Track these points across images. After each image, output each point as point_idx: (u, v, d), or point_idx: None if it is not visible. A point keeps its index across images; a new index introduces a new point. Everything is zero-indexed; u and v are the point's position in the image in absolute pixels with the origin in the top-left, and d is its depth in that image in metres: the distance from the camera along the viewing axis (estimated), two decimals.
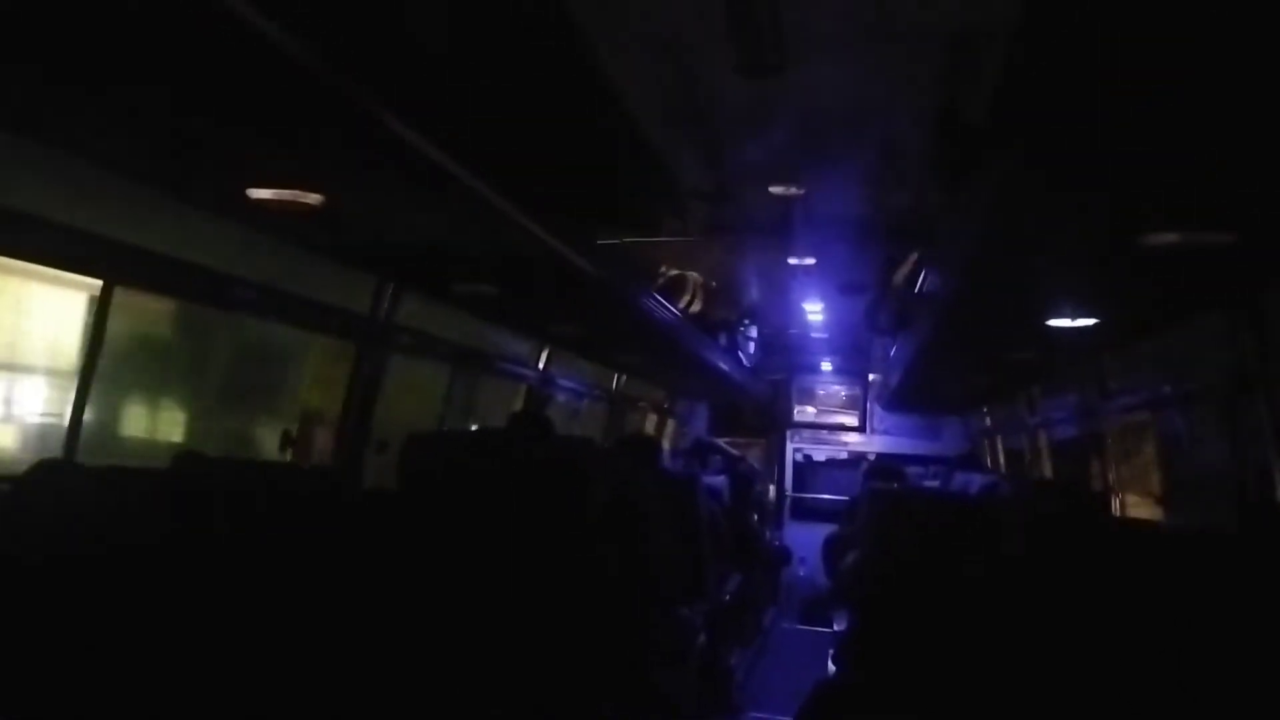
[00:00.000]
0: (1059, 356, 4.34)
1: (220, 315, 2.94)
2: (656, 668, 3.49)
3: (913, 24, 2.36)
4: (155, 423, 3.02)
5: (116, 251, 2.35)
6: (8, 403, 2.63)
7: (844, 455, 10.38)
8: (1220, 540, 2.32)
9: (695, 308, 5.19)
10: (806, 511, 9.95)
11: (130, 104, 1.75)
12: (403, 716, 1.93)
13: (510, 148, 2.44)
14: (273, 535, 2.13)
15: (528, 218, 2.56)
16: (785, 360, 10.12)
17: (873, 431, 10.26)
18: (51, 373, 2.63)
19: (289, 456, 3.35)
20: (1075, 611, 1.90)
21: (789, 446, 10.42)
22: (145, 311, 2.73)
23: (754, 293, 6.45)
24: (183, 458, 2.66)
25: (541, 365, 5.48)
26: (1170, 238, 2.08)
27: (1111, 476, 4.75)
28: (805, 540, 8.58)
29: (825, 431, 10.50)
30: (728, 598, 5.08)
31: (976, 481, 5.04)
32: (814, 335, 8.90)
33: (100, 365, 2.44)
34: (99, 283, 2.39)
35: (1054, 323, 3.23)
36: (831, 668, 3.94)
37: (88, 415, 2.43)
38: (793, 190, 3.65)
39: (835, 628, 4.81)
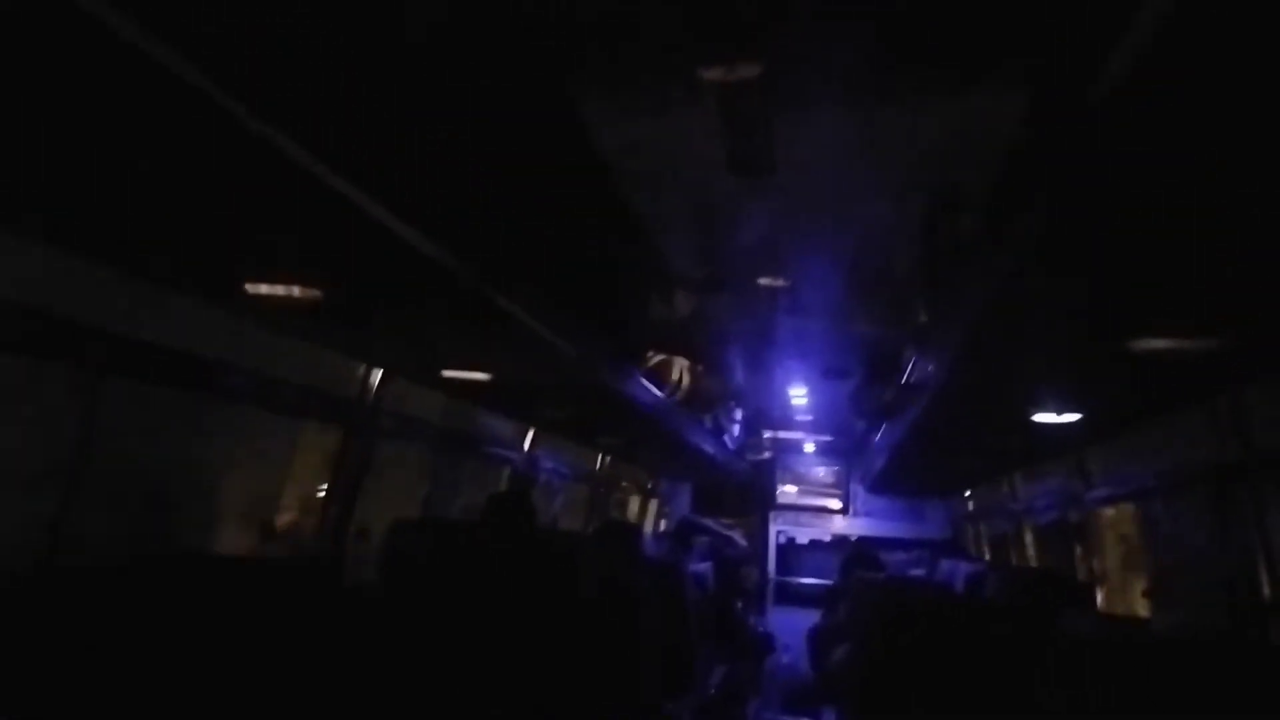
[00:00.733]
0: (1043, 445, 4.37)
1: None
2: None
3: (902, 134, 2.43)
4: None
5: (107, 341, 2.33)
6: None
7: (828, 538, 10.30)
8: (1206, 647, 2.30)
9: (682, 390, 5.19)
10: (790, 596, 9.81)
11: (131, 199, 1.76)
12: None
13: (503, 239, 2.47)
14: (255, 634, 2.07)
15: (518, 308, 2.57)
16: (769, 442, 10.13)
17: (855, 513, 10.22)
18: None
19: (269, 548, 3.28)
20: (1076, 713, 1.87)
21: (772, 529, 10.34)
22: None
23: (739, 376, 6.48)
24: (153, 558, 2.59)
25: (526, 447, 5.44)
26: (1154, 342, 2.11)
27: (1095, 565, 4.73)
28: (789, 627, 8.43)
29: (808, 513, 10.44)
30: (714, 690, 4.96)
31: (962, 570, 4.99)
32: (798, 418, 8.92)
33: None
34: None
35: (1038, 417, 3.26)
36: None
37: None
38: (780, 282, 3.70)
39: None
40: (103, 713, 1.72)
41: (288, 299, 2.22)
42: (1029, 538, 6.24)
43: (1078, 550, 5.03)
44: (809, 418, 8.83)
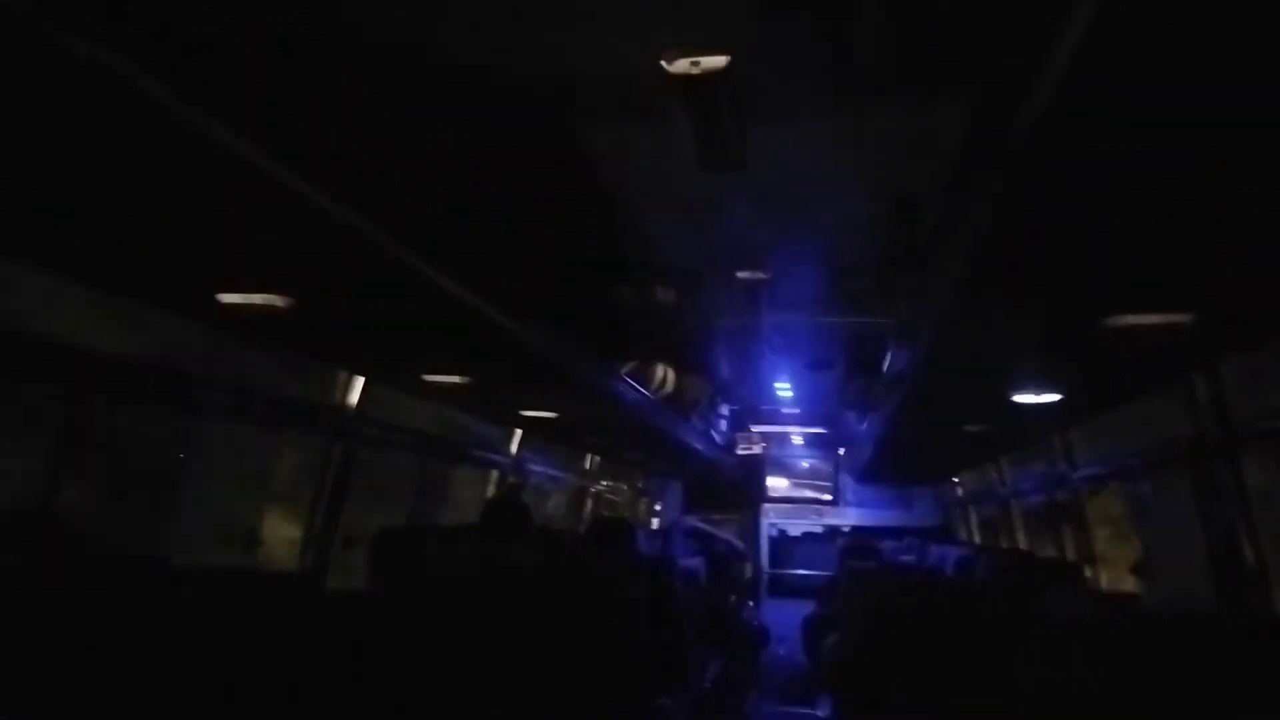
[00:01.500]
0: (1027, 428, 4.40)
1: None
2: None
3: (871, 120, 2.45)
4: None
5: (84, 359, 2.32)
6: None
7: (819, 529, 10.34)
8: (1192, 621, 2.34)
9: (666, 389, 5.20)
10: (784, 588, 9.85)
11: (101, 216, 1.75)
12: None
13: (482, 242, 2.47)
14: (244, 643, 2.06)
15: (497, 309, 2.57)
16: (757, 436, 10.15)
17: (846, 504, 10.26)
18: None
19: (253, 559, 3.27)
20: (1061, 692, 1.89)
21: (764, 522, 10.37)
22: None
23: (724, 371, 6.50)
24: (144, 563, 2.58)
25: (514, 450, 5.44)
26: (1130, 319, 2.13)
27: (1084, 544, 4.77)
28: (783, 618, 8.46)
29: (799, 506, 10.47)
30: (708, 684, 4.97)
31: (952, 555, 5.03)
32: (785, 410, 8.96)
33: None
34: None
35: (1018, 398, 3.29)
36: None
37: None
38: (759, 275, 3.72)
39: (818, 712, 4.71)
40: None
41: (262, 308, 2.22)
42: (1017, 521, 6.29)
43: (1065, 531, 5.08)
44: (796, 410, 8.88)
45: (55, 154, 1.46)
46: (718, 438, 7.85)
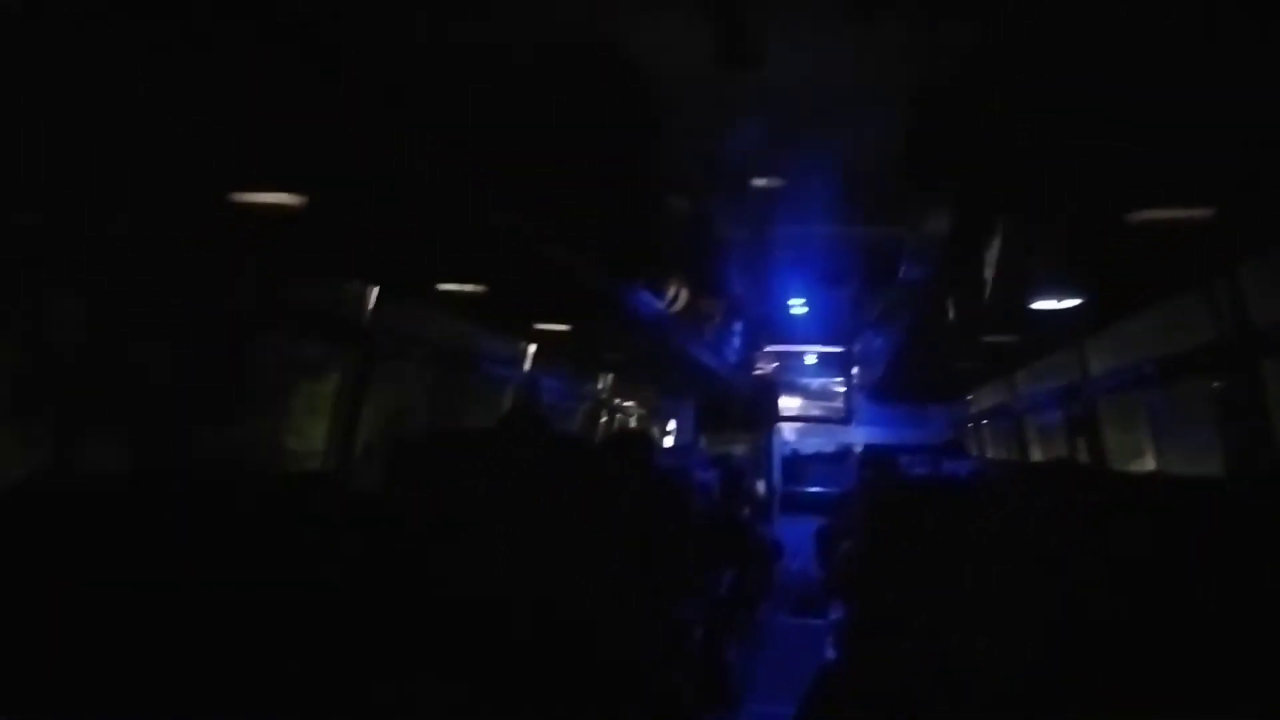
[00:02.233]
0: (1042, 340, 4.37)
1: None
2: (657, 666, 3.48)
3: (890, 24, 2.38)
4: None
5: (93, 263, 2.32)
6: None
7: (832, 448, 10.43)
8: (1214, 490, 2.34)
9: (680, 304, 5.19)
10: (796, 505, 9.99)
11: (103, 108, 1.73)
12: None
13: (496, 147, 2.44)
14: (265, 543, 2.11)
15: (514, 215, 2.55)
16: (770, 355, 10.16)
17: (859, 422, 10.32)
18: None
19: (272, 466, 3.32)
20: (1073, 588, 1.90)
21: (777, 440, 10.46)
22: None
23: (738, 287, 6.47)
24: (169, 467, 2.63)
25: (528, 366, 5.46)
26: (1151, 214, 2.10)
27: (1098, 458, 4.78)
28: (796, 534, 8.60)
29: (812, 425, 10.55)
30: (723, 593, 5.08)
31: (964, 468, 5.07)
32: (798, 329, 8.94)
33: None
34: None
35: (1036, 305, 3.25)
36: (830, 655, 3.95)
37: None
38: (774, 182, 3.66)
39: (831, 617, 4.82)
40: (102, 626, 1.75)
41: (274, 208, 2.20)
42: (1031, 435, 6.31)
43: (1079, 445, 5.09)
44: (809, 328, 8.86)
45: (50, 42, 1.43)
46: (731, 355, 7.86)
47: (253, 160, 2.00)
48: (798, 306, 7.47)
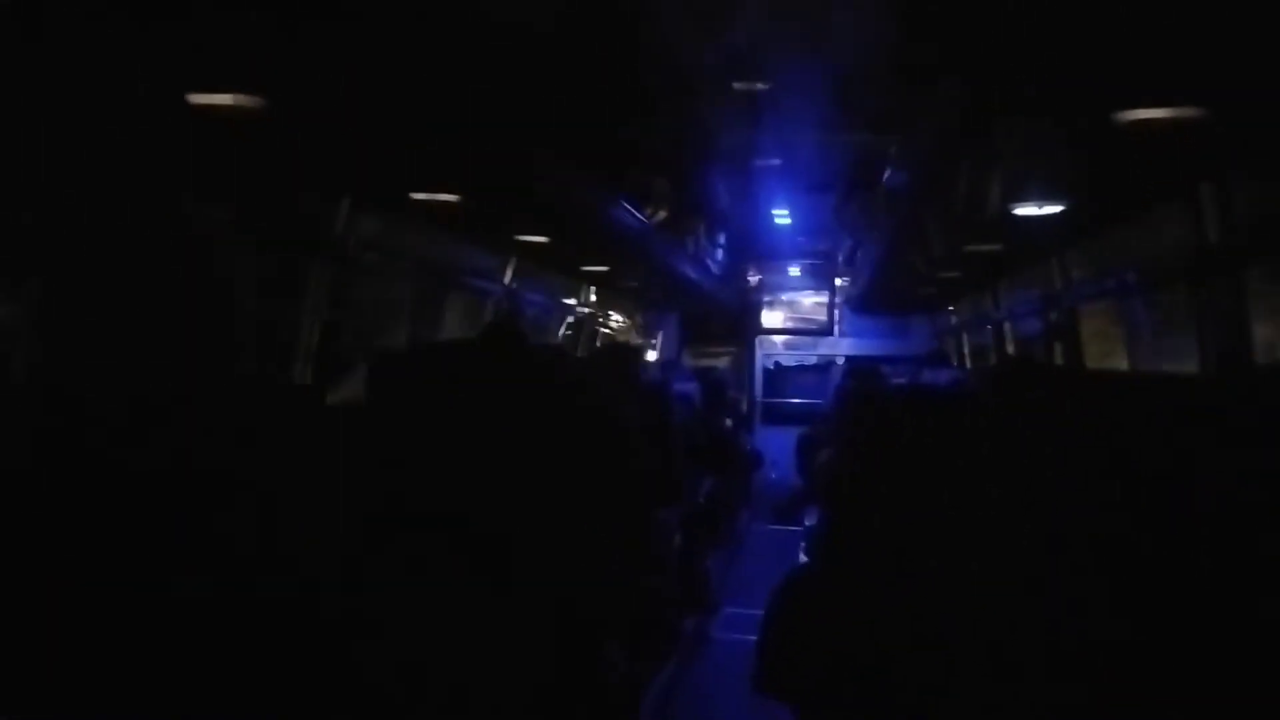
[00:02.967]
0: (1027, 246, 4.35)
1: None
2: (641, 570, 3.55)
3: None
4: None
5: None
6: None
7: (813, 360, 10.50)
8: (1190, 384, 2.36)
9: (661, 215, 5.12)
10: (777, 416, 10.11)
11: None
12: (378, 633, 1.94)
13: (468, 50, 2.34)
14: (240, 459, 2.10)
15: (488, 121, 2.47)
16: (754, 266, 10.12)
17: (841, 334, 10.36)
18: None
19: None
20: (1045, 489, 1.92)
21: (759, 353, 10.51)
22: None
23: (721, 197, 6.37)
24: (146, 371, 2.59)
25: (508, 279, 5.41)
26: (1141, 114, 2.05)
27: (1075, 362, 4.83)
28: (776, 444, 8.72)
29: (794, 336, 10.59)
30: (703, 501, 5.17)
31: (944, 376, 5.11)
32: (781, 240, 8.87)
33: None
34: None
35: (1020, 210, 3.22)
36: (803, 559, 4.04)
37: None
38: (756, 86, 3.56)
39: (807, 523, 4.92)
40: (79, 530, 1.74)
41: (233, 109, 2.11)
42: (1010, 344, 6.35)
43: (1057, 351, 5.12)
44: (792, 240, 8.79)
45: None
46: (714, 268, 7.82)
47: (218, 61, 1.92)
48: (781, 217, 7.38)
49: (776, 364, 10.65)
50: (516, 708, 2.03)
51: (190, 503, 1.89)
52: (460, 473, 2.65)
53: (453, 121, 2.32)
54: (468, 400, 2.92)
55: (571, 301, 7.07)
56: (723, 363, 10.20)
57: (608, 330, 8.45)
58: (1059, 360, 5.06)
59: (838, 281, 10.12)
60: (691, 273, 6.63)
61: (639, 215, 4.61)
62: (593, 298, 7.44)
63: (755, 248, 9.79)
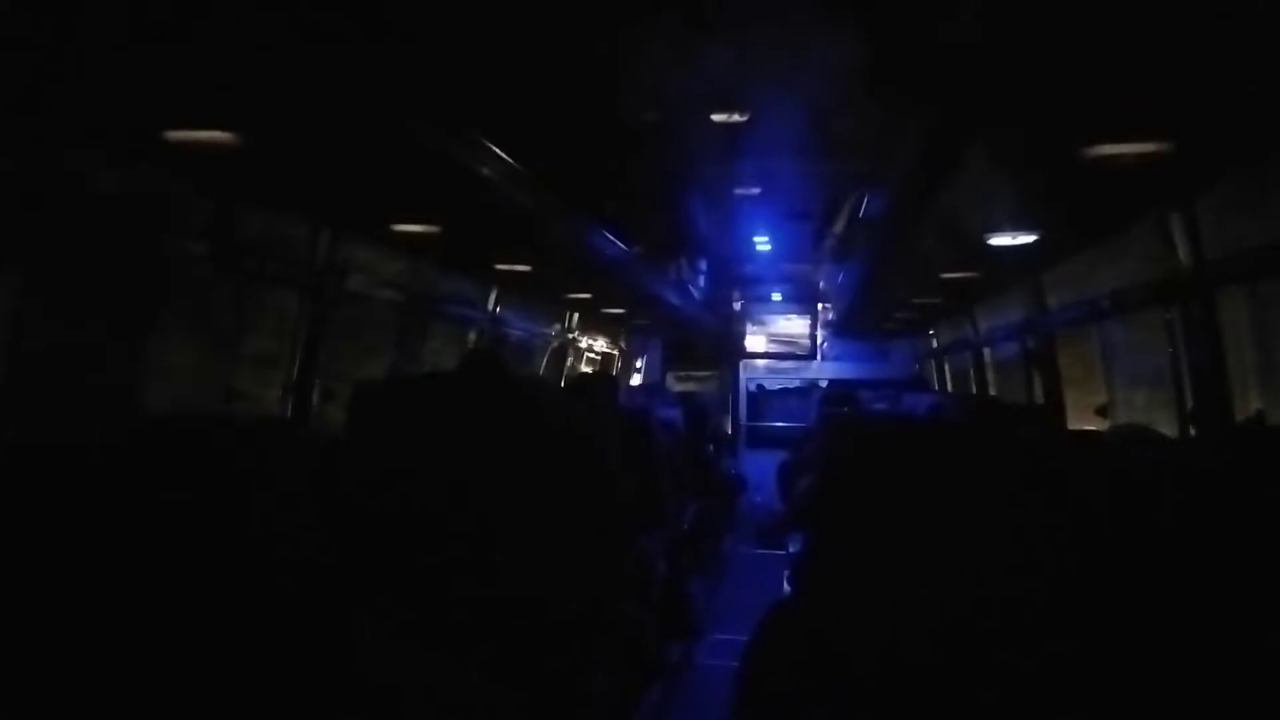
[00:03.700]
0: (1001, 274, 4.41)
1: None
2: (622, 598, 3.54)
3: None
4: None
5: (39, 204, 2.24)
6: None
7: (796, 384, 10.55)
8: (1160, 446, 2.41)
9: (644, 241, 5.15)
10: (761, 440, 10.13)
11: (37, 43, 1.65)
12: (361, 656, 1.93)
13: (455, 87, 2.37)
14: (224, 487, 2.09)
15: (470, 154, 2.49)
16: (736, 292, 10.19)
17: (823, 358, 10.42)
18: None
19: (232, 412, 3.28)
20: (1026, 523, 1.94)
21: (742, 377, 10.55)
22: None
23: (703, 225, 6.43)
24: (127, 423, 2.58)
25: (491, 306, 5.42)
26: (1109, 148, 2.10)
27: (1053, 390, 4.88)
28: (760, 468, 8.73)
29: (777, 361, 10.64)
30: (686, 526, 5.16)
31: (924, 402, 5.15)
32: (763, 266, 8.93)
33: None
34: None
35: (995, 240, 3.27)
36: (787, 588, 4.04)
37: None
38: (735, 117, 3.61)
39: (790, 550, 4.92)
40: (61, 580, 1.72)
41: (209, 145, 2.13)
42: (989, 368, 6.41)
43: (1035, 377, 5.18)
44: (774, 265, 8.86)
45: None
46: (696, 294, 7.86)
47: (200, 97, 1.93)
48: (762, 243, 7.44)
49: (760, 387, 10.69)
50: None
51: (162, 541, 1.88)
52: (440, 501, 2.64)
53: (435, 152, 2.34)
54: (448, 430, 2.92)
55: (555, 328, 7.09)
56: (706, 387, 10.23)
57: (592, 355, 8.46)
58: (1037, 384, 5.12)
59: (819, 307, 10.20)
60: (674, 299, 6.66)
61: (621, 243, 4.64)
62: (576, 324, 7.46)
63: (737, 273, 9.87)
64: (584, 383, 5.00)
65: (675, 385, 10.05)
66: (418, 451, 2.81)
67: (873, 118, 3.51)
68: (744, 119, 3.68)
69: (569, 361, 7.50)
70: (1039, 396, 5.09)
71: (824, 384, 10.01)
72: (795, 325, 10.54)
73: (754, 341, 10.62)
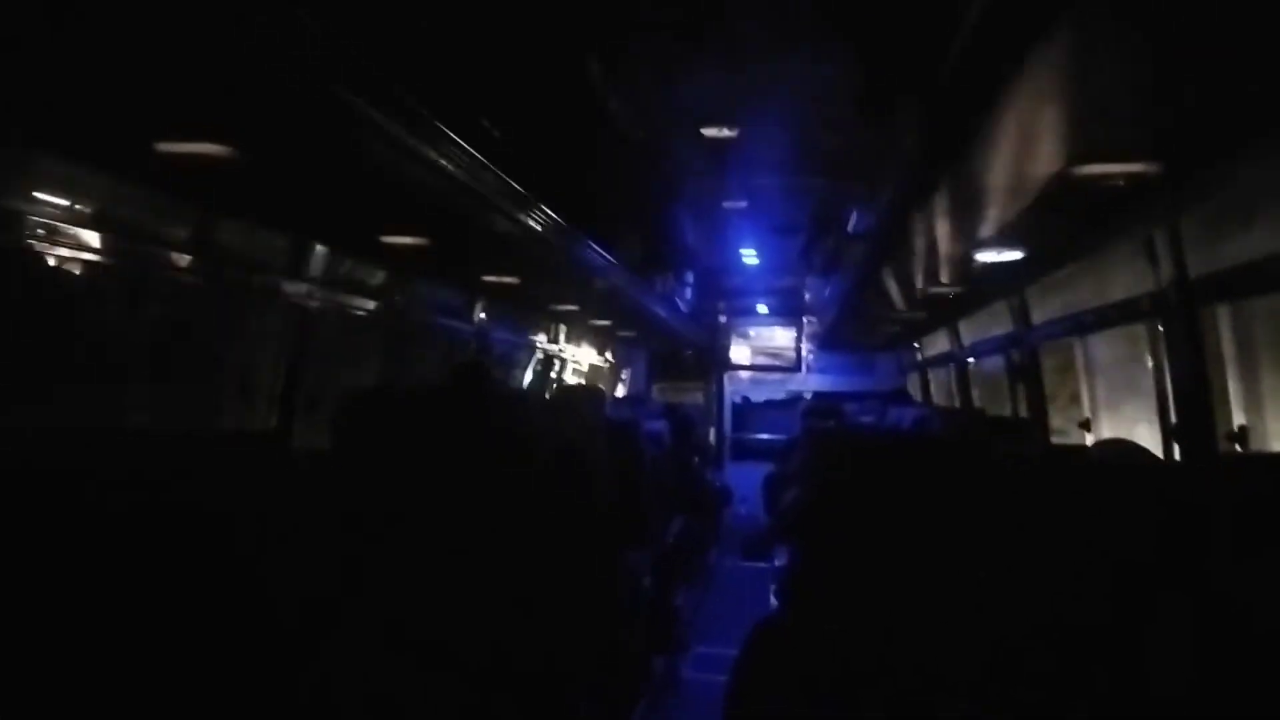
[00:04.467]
0: (986, 289, 4.44)
1: None
2: (607, 612, 3.52)
3: None
4: None
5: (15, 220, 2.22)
6: None
7: (781, 396, 10.57)
8: (1145, 468, 2.42)
9: (631, 254, 5.15)
10: (746, 451, 10.14)
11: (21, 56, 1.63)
12: (351, 676, 1.91)
13: (440, 95, 2.36)
14: (206, 501, 2.07)
15: (456, 166, 2.48)
16: (722, 304, 10.21)
17: (808, 370, 10.45)
18: None
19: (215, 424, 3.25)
20: (1008, 537, 1.95)
21: (727, 389, 10.57)
22: None
23: (689, 237, 6.44)
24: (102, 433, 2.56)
25: (476, 318, 5.40)
26: (1095, 169, 2.12)
27: (1036, 403, 4.92)
28: (745, 480, 8.73)
29: (762, 373, 10.66)
30: (672, 540, 5.15)
31: (909, 415, 5.16)
32: (749, 279, 8.96)
33: None
34: None
35: (981, 257, 3.29)
36: (774, 602, 4.04)
37: None
38: (724, 132, 3.63)
39: (775, 563, 4.92)
40: (39, 598, 1.70)
41: (201, 158, 2.11)
42: (975, 383, 6.45)
43: (1019, 391, 5.22)
44: (760, 278, 8.89)
45: None
46: (683, 306, 7.87)
47: (186, 110, 1.92)
48: (749, 257, 7.47)
49: (745, 399, 10.71)
50: None
51: (153, 553, 1.86)
52: (424, 515, 2.63)
53: (421, 164, 2.33)
54: (432, 443, 2.90)
55: (542, 339, 7.07)
56: (692, 399, 10.23)
57: (578, 367, 8.44)
58: (1021, 398, 5.15)
59: (805, 319, 10.24)
60: (661, 311, 6.67)
61: (608, 255, 4.64)
62: (563, 336, 7.45)
63: (724, 286, 9.89)
64: (570, 395, 4.99)
65: (661, 396, 10.05)
66: (401, 464, 2.80)
67: (860, 134, 3.53)
68: (733, 134, 3.70)
69: (555, 373, 7.49)
70: (1022, 410, 5.13)
71: (809, 396, 10.04)
72: (780, 337, 10.57)
73: (739, 353, 10.65)
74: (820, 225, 4.90)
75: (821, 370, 10.32)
